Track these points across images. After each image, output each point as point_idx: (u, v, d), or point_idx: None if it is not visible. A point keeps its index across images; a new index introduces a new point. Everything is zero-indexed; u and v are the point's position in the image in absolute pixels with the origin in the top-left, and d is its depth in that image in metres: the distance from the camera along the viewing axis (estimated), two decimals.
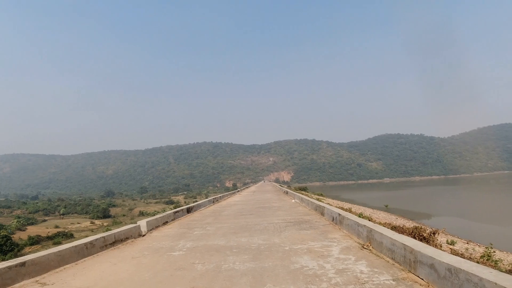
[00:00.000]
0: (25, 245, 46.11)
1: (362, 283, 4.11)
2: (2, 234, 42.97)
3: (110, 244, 7.71)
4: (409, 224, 22.36)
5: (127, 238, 8.49)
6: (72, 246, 6.46)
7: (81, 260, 6.45)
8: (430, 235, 6.92)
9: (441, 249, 5.97)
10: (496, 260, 7.46)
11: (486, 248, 9.91)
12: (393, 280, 4.16)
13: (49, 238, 51.25)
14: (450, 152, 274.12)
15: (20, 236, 53.39)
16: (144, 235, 9.31)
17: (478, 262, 5.09)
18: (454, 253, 6.48)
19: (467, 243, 18.92)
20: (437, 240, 7.30)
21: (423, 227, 8.32)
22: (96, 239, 7.28)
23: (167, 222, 11.84)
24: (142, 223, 9.75)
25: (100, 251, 7.21)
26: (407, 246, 4.49)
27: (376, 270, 4.63)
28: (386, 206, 46.63)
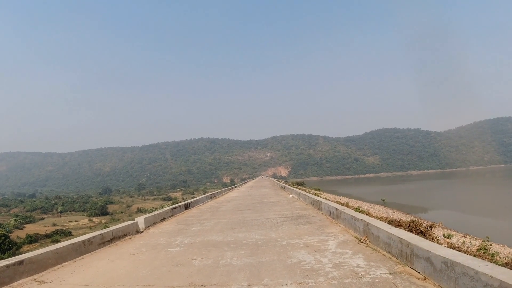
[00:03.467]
0: (23, 243, 46.11)
1: (359, 277, 4.13)
2: (0, 233, 42.88)
3: (108, 241, 7.72)
4: (406, 218, 22.46)
5: (124, 235, 8.49)
6: (70, 244, 6.46)
7: (79, 258, 6.45)
8: (427, 228, 6.94)
9: (437, 242, 6.00)
10: (492, 253, 7.51)
11: (482, 241, 9.97)
12: (390, 273, 4.18)
13: (47, 236, 51.27)
14: (446, 146, 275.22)
15: (18, 235, 53.37)
16: (142, 232, 9.32)
17: (474, 255, 5.12)
18: (451, 246, 6.51)
19: (464, 237, 19.03)
20: (434, 233, 7.33)
21: (419, 220, 8.36)
22: (94, 237, 7.28)
23: (164, 218, 11.85)
24: (140, 220, 9.76)
25: (98, 248, 7.22)
26: (404, 239, 4.51)
27: (373, 263, 4.65)
28: (383, 200, 46.83)
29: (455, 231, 22.16)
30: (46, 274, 5.37)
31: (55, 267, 5.73)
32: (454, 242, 12.12)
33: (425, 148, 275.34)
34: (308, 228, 7.96)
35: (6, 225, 61.60)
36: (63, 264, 5.96)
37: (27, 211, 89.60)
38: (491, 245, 8.99)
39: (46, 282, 4.93)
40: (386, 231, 5.17)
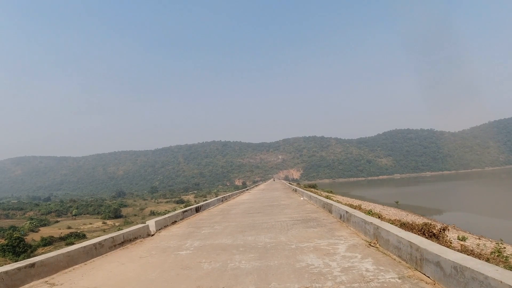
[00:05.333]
0: (38, 246, 46.83)
1: (367, 282, 4.08)
2: (15, 236, 43.64)
3: (119, 244, 7.78)
4: (419, 220, 22.18)
5: (135, 238, 8.55)
6: (81, 247, 6.54)
7: (90, 260, 6.51)
8: (440, 231, 6.85)
9: (451, 245, 5.91)
10: (506, 256, 7.35)
11: (496, 243, 9.78)
12: (399, 278, 4.12)
13: (61, 239, 52.01)
14: (460, 147, 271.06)
15: (33, 238, 54.25)
16: (152, 235, 9.38)
17: (488, 259, 5.03)
18: (464, 249, 6.41)
19: (479, 239, 18.68)
20: (447, 236, 7.22)
21: (432, 223, 8.23)
22: (105, 240, 7.34)
23: (175, 221, 11.90)
24: (151, 223, 9.82)
25: (109, 251, 7.28)
26: (413, 243, 4.44)
27: (382, 268, 4.59)
28: (397, 202, 46.16)
29: (470, 233, 21.78)
30: (57, 276, 5.43)
31: (66, 270, 5.79)
32: (469, 244, 11.92)
33: (439, 149, 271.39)
34: (318, 231, 7.92)
35: (21, 228, 62.71)
36: (74, 267, 6.03)
37: (42, 214, 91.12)
38: (505, 247, 8.78)
39: (57, 285, 4.99)
40: (396, 235, 5.10)
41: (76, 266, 6.09)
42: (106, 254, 7.12)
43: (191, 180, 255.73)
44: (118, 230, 8.72)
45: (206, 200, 26.00)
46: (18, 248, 41.41)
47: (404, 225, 7.24)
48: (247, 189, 48.34)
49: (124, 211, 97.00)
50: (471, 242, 15.25)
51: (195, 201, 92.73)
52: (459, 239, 14.53)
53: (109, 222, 78.49)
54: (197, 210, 15.55)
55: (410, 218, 25.35)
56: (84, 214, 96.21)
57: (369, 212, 9.47)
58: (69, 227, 68.98)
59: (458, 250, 4.85)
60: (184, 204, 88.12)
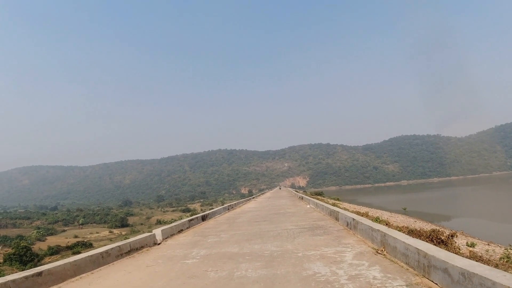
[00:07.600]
0: (45, 255, 46.93)
1: None
2: (22, 245, 43.80)
3: (126, 253, 7.81)
4: (427, 226, 21.98)
5: (142, 247, 8.57)
6: (88, 256, 6.57)
7: (97, 269, 6.54)
8: (448, 238, 6.78)
9: (459, 252, 5.85)
10: None
11: (505, 249, 9.67)
12: (407, 285, 4.08)
13: (68, 248, 52.08)
14: (467, 152, 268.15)
15: (40, 247, 54.42)
16: (159, 244, 9.39)
17: (497, 264, 4.97)
18: (473, 255, 6.33)
19: (488, 245, 18.45)
20: (456, 242, 7.15)
21: (440, 230, 8.16)
22: (112, 248, 7.38)
23: (182, 230, 11.91)
24: (157, 232, 9.84)
25: (115, 260, 7.31)
26: (421, 250, 4.41)
27: (390, 275, 4.56)
28: (404, 209, 45.77)
29: (479, 239, 21.52)
30: (64, 285, 5.46)
31: (73, 279, 5.82)
32: (477, 250, 11.77)
33: (446, 154, 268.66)
34: (324, 239, 7.88)
35: (28, 237, 63.03)
36: (81, 275, 6.05)
37: (49, 224, 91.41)
38: None
39: None
40: (403, 242, 5.08)
41: (83, 275, 6.11)
42: (113, 263, 7.15)
43: (197, 189, 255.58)
44: (125, 239, 8.75)
45: (212, 208, 26.02)
46: (25, 257, 41.51)
47: (412, 232, 7.17)
48: (253, 197, 48.38)
49: (130, 220, 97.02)
50: (480, 248, 15.08)
51: (201, 210, 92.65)
52: (468, 245, 14.36)
53: (116, 231, 78.58)
54: (203, 218, 15.56)
55: (418, 224, 25.12)
56: (91, 223, 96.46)
57: (376, 219, 9.40)
58: (76, 236, 69.13)
59: (466, 257, 4.81)
60: (190, 213, 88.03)
